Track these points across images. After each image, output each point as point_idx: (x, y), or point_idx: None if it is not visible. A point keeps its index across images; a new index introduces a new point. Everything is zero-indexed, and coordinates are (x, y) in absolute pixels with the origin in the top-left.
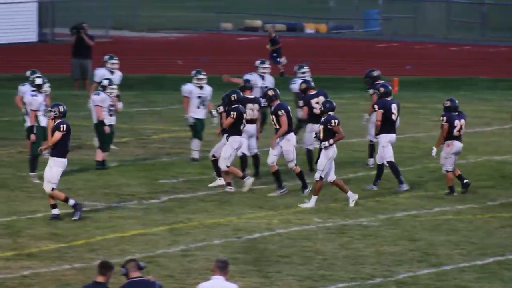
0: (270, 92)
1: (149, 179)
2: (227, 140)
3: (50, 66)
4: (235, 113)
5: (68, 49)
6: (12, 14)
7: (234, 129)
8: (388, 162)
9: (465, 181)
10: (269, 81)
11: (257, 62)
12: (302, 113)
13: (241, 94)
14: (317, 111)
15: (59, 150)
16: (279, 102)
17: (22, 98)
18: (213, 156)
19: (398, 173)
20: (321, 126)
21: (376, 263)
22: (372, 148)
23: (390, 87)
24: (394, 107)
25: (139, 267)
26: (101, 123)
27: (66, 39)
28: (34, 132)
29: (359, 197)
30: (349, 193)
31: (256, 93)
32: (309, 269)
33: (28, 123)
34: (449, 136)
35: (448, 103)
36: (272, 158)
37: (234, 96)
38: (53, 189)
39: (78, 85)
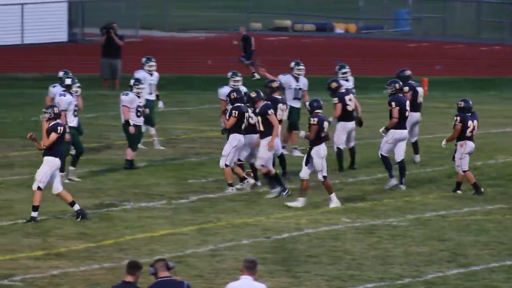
0: (253, 94)
1: (178, 179)
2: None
3: (79, 66)
4: (237, 112)
5: (98, 49)
6: (42, 14)
7: (235, 128)
8: (381, 155)
9: (458, 191)
10: (303, 82)
11: (292, 64)
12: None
13: (261, 94)
14: (350, 108)
15: (53, 150)
16: (265, 102)
17: (52, 99)
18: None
19: (390, 167)
20: (308, 126)
21: (404, 263)
22: (416, 145)
23: (401, 83)
24: (407, 104)
25: (167, 267)
26: (127, 123)
27: (95, 39)
28: (68, 131)
29: (388, 197)
30: (332, 196)
31: (290, 94)
32: (338, 269)
33: None
34: (462, 136)
35: (462, 104)
36: (259, 162)
37: (234, 94)
38: (39, 188)
39: (107, 85)
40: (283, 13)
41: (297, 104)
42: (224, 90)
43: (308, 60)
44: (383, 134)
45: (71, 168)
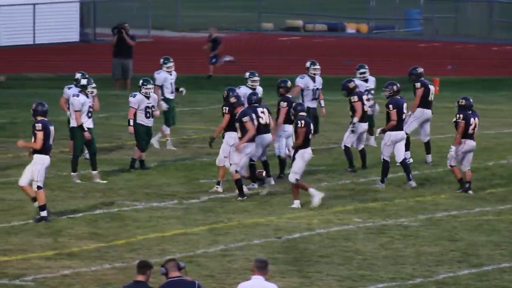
0: (233, 99)
1: (189, 179)
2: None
3: (91, 66)
4: (227, 109)
5: (109, 49)
6: (54, 14)
7: (230, 126)
8: (383, 159)
9: (469, 191)
10: (319, 82)
11: (308, 64)
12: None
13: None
14: (365, 108)
15: (41, 148)
16: (243, 109)
17: (66, 100)
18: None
19: (385, 173)
20: (293, 129)
21: (416, 263)
22: (428, 146)
23: (399, 85)
24: (405, 106)
25: (178, 267)
26: (132, 123)
27: (107, 39)
28: (85, 130)
29: (400, 197)
30: (296, 202)
31: (308, 95)
32: (349, 269)
33: (72, 124)
34: (463, 134)
35: (464, 102)
36: (234, 167)
37: (226, 93)
38: (39, 187)
39: (119, 85)
40: (294, 13)
41: (314, 105)
42: (242, 90)
43: (319, 60)
44: (380, 135)
45: (93, 172)
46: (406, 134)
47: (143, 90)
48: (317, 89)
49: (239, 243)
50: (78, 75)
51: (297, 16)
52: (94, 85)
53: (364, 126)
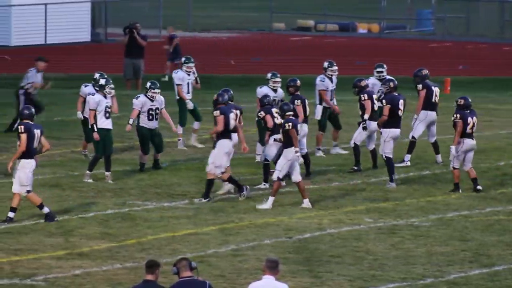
0: (215, 97)
1: (200, 179)
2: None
3: (102, 66)
4: (218, 111)
5: (121, 49)
6: (65, 14)
7: (223, 132)
8: (386, 157)
9: (478, 186)
10: (335, 82)
11: (326, 64)
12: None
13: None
14: (376, 107)
15: (26, 151)
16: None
17: (84, 98)
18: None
19: (392, 171)
20: (281, 130)
21: (427, 263)
22: (413, 146)
23: (397, 82)
24: (401, 102)
25: (190, 267)
26: (138, 125)
27: (118, 39)
28: (95, 130)
29: (411, 197)
30: (305, 201)
31: (327, 96)
32: (360, 269)
33: (90, 123)
34: (462, 133)
35: (462, 101)
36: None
37: (215, 97)
38: (28, 191)
39: (130, 85)
40: (306, 13)
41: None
42: (263, 90)
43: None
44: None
45: (106, 173)
46: (415, 138)
47: (149, 94)
48: (334, 89)
49: (250, 243)
50: (96, 75)
51: (309, 16)
52: (112, 85)
53: (375, 125)
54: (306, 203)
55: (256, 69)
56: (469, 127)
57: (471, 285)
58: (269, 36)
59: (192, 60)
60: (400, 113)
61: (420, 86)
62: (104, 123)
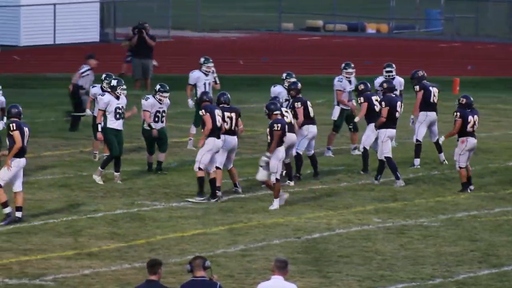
0: (199, 95)
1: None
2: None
3: (111, 66)
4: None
5: (124, 49)
6: (74, 14)
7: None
8: (385, 157)
9: (470, 186)
10: (354, 83)
11: (342, 65)
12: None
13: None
14: (377, 109)
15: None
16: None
17: (93, 99)
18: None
19: (395, 168)
20: (268, 129)
21: (436, 263)
22: (419, 149)
23: (394, 84)
24: (399, 104)
25: (204, 266)
26: (149, 127)
27: (121, 39)
28: (99, 130)
29: (420, 197)
30: (276, 201)
31: (345, 97)
32: (369, 269)
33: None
34: (464, 132)
35: (464, 100)
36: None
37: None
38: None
39: (139, 85)
40: (314, 13)
41: (348, 106)
42: (277, 89)
43: (340, 61)
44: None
45: (116, 173)
46: (419, 141)
47: (157, 96)
48: (352, 90)
49: (259, 243)
50: (103, 76)
51: (317, 16)
52: (124, 86)
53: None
54: (276, 203)
55: (264, 69)
56: (469, 125)
57: (480, 285)
58: (277, 36)
59: (211, 60)
60: (397, 114)
61: (417, 88)
62: (115, 124)
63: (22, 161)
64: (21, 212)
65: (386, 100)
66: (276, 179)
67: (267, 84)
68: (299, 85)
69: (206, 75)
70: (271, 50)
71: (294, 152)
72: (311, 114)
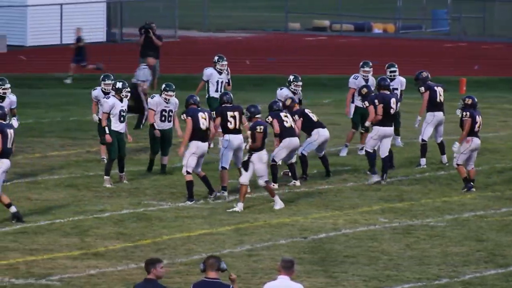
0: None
1: (215, 179)
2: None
3: (118, 66)
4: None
5: (137, 49)
6: (81, 14)
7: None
8: (366, 151)
9: (472, 188)
10: (371, 83)
11: (360, 64)
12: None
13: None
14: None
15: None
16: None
17: (96, 103)
18: (273, 160)
19: (373, 163)
20: (249, 132)
21: (442, 263)
22: (425, 148)
23: (388, 81)
24: (393, 101)
25: (218, 268)
26: (151, 126)
27: (134, 39)
28: (107, 133)
29: (426, 197)
30: (240, 204)
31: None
32: (375, 269)
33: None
34: (470, 132)
35: (470, 101)
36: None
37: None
38: None
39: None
40: (321, 13)
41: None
42: (284, 92)
43: (346, 60)
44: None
45: (121, 174)
46: (425, 141)
47: (163, 95)
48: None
49: (265, 243)
50: (102, 77)
51: (324, 16)
52: (129, 89)
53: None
54: (278, 201)
55: (271, 69)
56: (477, 125)
57: (486, 285)
58: (284, 36)
59: (225, 58)
60: (392, 111)
61: (422, 89)
62: (119, 127)
63: (7, 162)
64: (14, 207)
65: (380, 97)
66: (266, 181)
67: (273, 84)
68: (296, 98)
69: (220, 73)
70: (278, 50)
71: (298, 153)
72: (314, 119)
